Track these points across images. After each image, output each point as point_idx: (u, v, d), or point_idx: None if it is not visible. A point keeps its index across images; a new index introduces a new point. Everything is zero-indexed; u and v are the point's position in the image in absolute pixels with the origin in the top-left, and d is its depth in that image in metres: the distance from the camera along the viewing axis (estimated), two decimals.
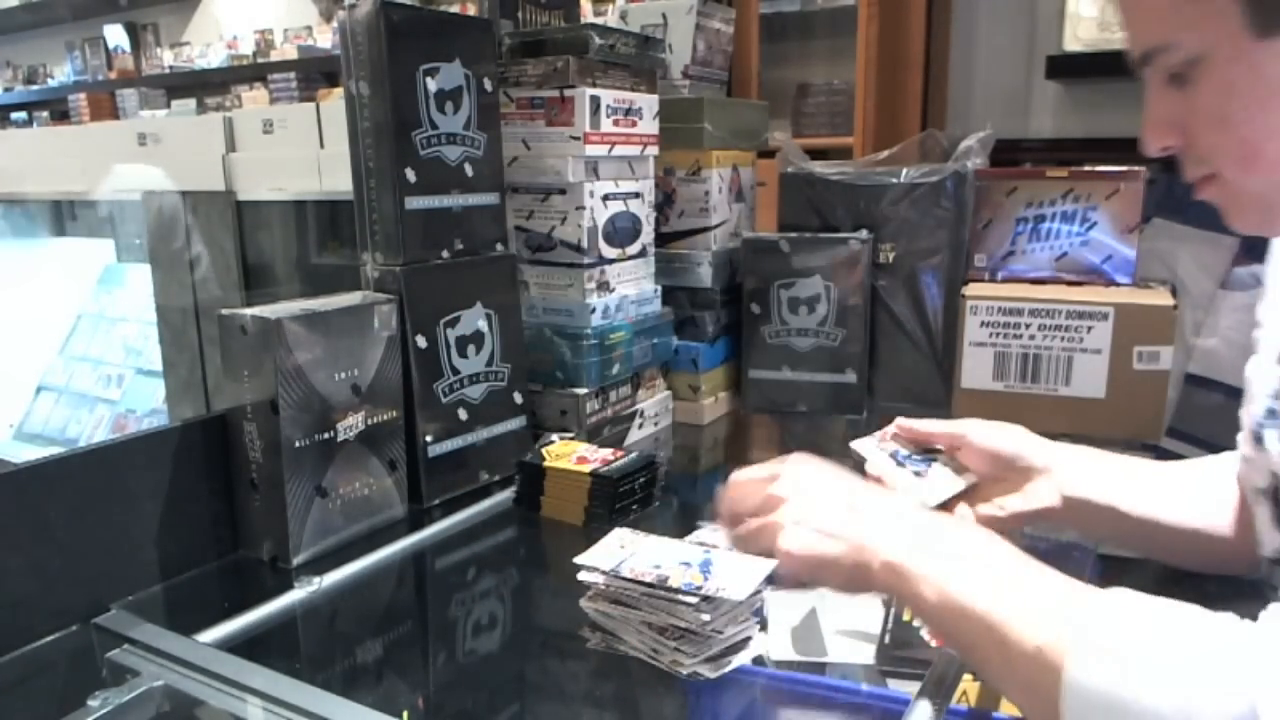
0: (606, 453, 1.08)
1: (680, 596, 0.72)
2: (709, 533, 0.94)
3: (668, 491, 1.12)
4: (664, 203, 1.49)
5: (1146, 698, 0.51)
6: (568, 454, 1.08)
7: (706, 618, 0.71)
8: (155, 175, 1.88)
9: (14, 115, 6.18)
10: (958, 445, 0.90)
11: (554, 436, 1.14)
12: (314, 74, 4.77)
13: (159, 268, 2.02)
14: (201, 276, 1.91)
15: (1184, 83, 0.63)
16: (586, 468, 1.04)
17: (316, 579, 0.91)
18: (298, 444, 0.93)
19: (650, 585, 0.74)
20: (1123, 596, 0.57)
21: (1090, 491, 0.85)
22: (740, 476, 0.81)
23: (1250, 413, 0.80)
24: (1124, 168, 1.36)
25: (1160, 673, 0.52)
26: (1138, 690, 0.51)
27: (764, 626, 0.78)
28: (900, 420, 0.94)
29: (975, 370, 1.35)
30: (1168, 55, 0.63)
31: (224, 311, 0.94)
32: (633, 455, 1.08)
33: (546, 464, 1.06)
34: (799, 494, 0.75)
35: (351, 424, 0.99)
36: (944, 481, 0.88)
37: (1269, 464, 0.75)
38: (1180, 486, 0.88)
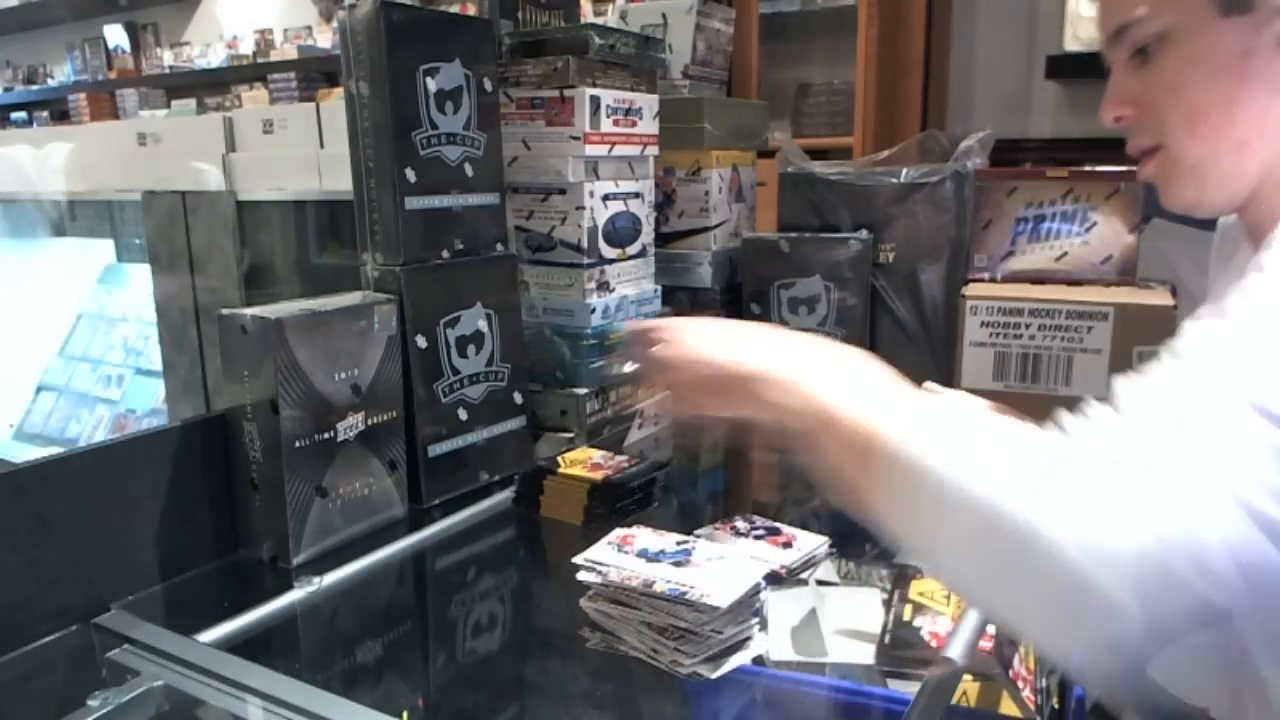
0: (622, 459, 1.09)
1: (672, 603, 0.72)
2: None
3: (667, 492, 1.12)
4: (664, 203, 1.49)
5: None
6: (583, 460, 1.09)
7: (705, 618, 0.72)
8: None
9: (14, 115, 6.17)
10: None
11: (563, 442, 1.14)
12: (314, 74, 4.77)
13: (159, 268, 2.02)
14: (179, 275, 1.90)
15: (1147, 59, 0.71)
16: (599, 474, 1.04)
17: (316, 579, 0.91)
18: (298, 444, 0.93)
19: (642, 591, 0.74)
20: (948, 392, 0.63)
21: None
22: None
23: None
24: (1124, 168, 1.36)
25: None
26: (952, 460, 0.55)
27: (764, 626, 0.78)
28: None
29: (975, 370, 1.35)
30: (1140, 28, 0.70)
31: (224, 311, 0.94)
32: (645, 463, 1.08)
33: (561, 470, 1.06)
34: (688, 339, 0.79)
35: (351, 424, 0.99)
36: None
37: None
38: None
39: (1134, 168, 1.43)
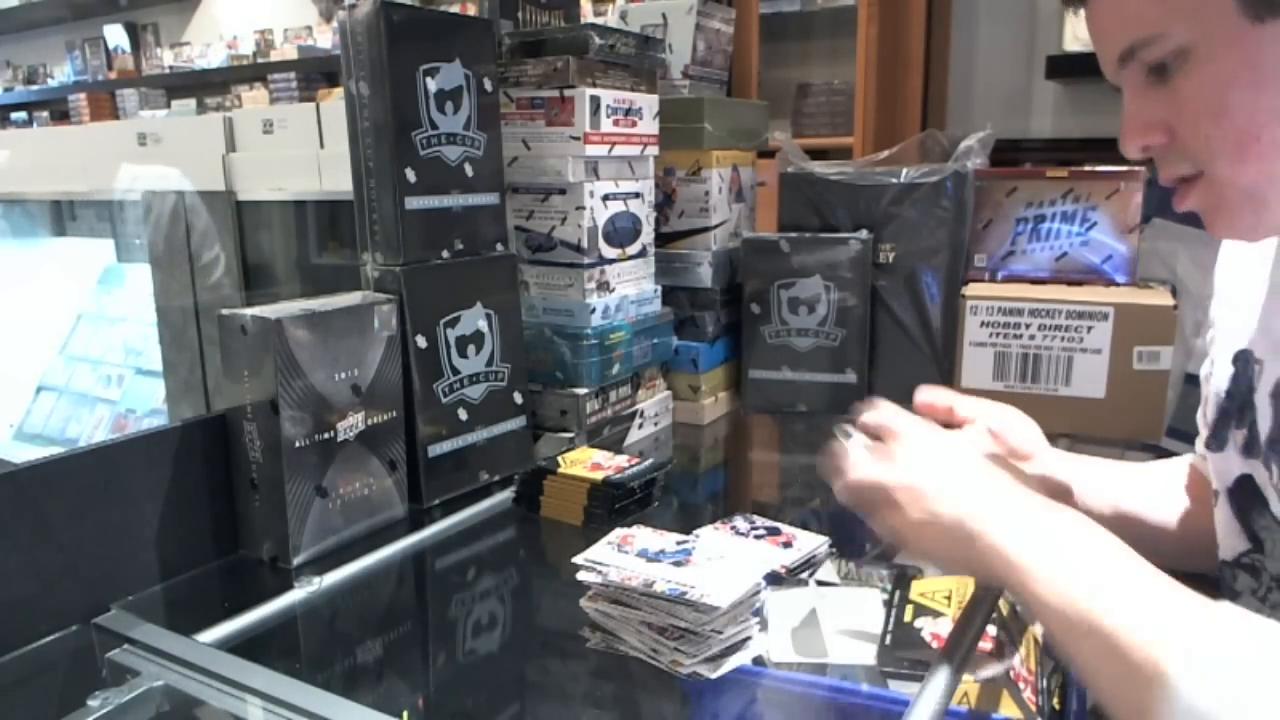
0: (622, 459, 1.08)
1: (672, 603, 0.72)
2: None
3: (667, 492, 1.12)
4: (664, 203, 1.49)
5: None
6: (583, 460, 1.09)
7: (705, 618, 0.71)
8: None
9: (14, 115, 6.18)
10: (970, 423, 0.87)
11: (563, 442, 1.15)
12: (314, 74, 4.77)
13: (159, 268, 2.02)
14: (216, 281, 1.91)
15: (1167, 76, 0.61)
16: (599, 474, 1.04)
17: (316, 579, 0.91)
18: (298, 444, 0.93)
19: (641, 591, 0.74)
20: (1231, 613, 0.54)
21: (1096, 494, 0.84)
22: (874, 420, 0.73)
23: (1206, 414, 0.79)
24: (1124, 168, 1.36)
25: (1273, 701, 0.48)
26: (1245, 716, 0.48)
27: (764, 626, 0.78)
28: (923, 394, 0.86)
29: (975, 370, 1.35)
30: (1154, 48, 0.61)
31: (224, 311, 0.94)
32: (646, 464, 1.08)
33: (561, 470, 1.06)
34: (908, 475, 0.68)
35: (351, 424, 0.99)
36: None
37: (1228, 465, 0.74)
38: (1155, 486, 0.88)
39: (1135, 168, 1.43)
